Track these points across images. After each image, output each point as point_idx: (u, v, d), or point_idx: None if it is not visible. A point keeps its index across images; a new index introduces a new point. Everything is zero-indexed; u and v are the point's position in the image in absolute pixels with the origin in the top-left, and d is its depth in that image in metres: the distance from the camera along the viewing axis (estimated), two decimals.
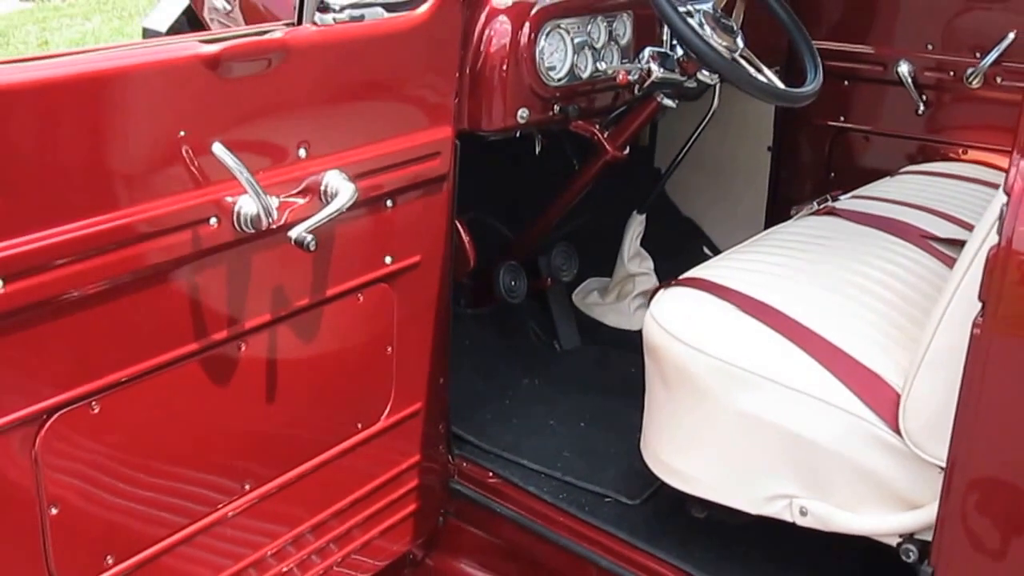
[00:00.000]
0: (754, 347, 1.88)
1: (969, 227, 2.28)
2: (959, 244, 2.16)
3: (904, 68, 2.85)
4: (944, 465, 1.64)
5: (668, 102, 2.28)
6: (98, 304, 1.52)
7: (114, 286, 1.53)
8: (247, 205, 1.62)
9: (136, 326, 1.59)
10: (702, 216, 3.21)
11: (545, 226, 2.56)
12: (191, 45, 1.56)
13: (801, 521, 1.88)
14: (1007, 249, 1.44)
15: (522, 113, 2.17)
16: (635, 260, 2.78)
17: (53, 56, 1.47)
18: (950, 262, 2.12)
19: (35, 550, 1.55)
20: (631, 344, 2.70)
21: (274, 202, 1.63)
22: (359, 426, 2.01)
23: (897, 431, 1.74)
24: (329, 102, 1.76)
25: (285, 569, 1.93)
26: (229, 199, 1.62)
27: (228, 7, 2.45)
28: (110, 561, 1.64)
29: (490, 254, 2.57)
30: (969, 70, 2.75)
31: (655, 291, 2.08)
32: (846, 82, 2.96)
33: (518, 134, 2.25)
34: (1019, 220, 1.45)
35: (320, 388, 1.91)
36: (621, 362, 2.64)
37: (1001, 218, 1.48)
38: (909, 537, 1.78)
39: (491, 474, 2.27)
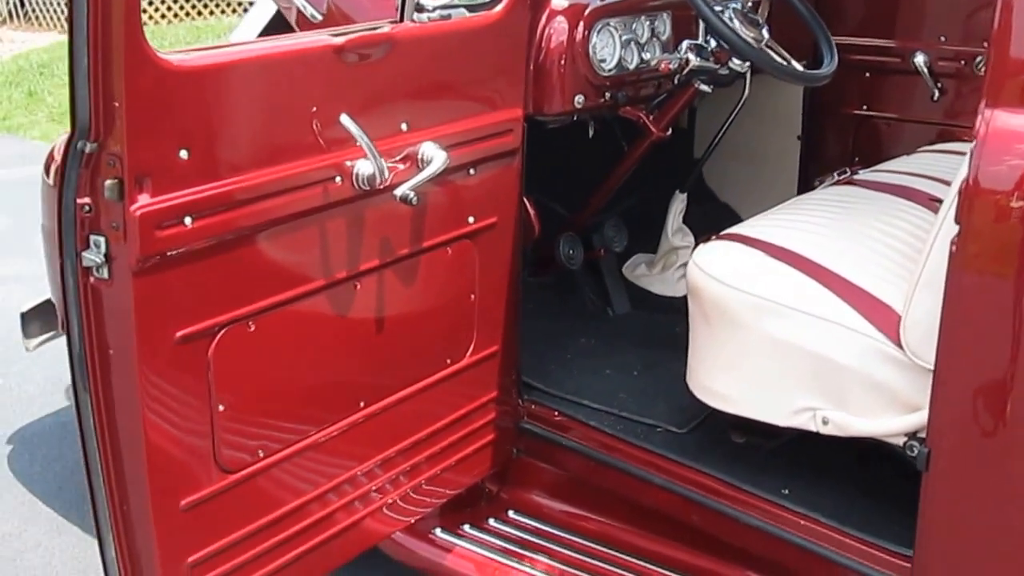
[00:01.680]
0: (781, 284, 2.35)
1: None
2: None
3: (920, 59, 3.32)
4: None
5: (704, 87, 2.77)
6: (254, 243, 2.01)
7: (265, 229, 2.02)
8: (363, 167, 2.11)
9: (280, 263, 2.08)
10: (737, 200, 3.68)
11: (599, 201, 3.06)
12: (323, 38, 2.07)
13: (823, 430, 2.33)
14: (975, 180, 1.91)
15: (578, 99, 2.66)
16: (678, 235, 3.27)
17: (215, 48, 1.98)
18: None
19: (207, 440, 2.04)
20: (675, 309, 3.19)
21: (385, 165, 2.12)
22: (448, 361, 2.49)
23: (899, 345, 2.20)
24: (425, 85, 2.26)
25: (377, 487, 2.38)
26: (348, 163, 2.11)
27: (318, 17, 2.96)
28: (260, 455, 2.13)
29: (548, 230, 3.05)
30: (978, 58, 3.21)
31: (696, 246, 2.55)
32: (867, 74, 3.44)
33: (575, 118, 2.74)
34: (982, 158, 1.91)
35: (418, 325, 2.39)
36: (667, 324, 3.11)
37: (971, 158, 1.95)
38: (912, 435, 2.22)
39: (557, 413, 2.74)
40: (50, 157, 3.29)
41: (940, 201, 2.69)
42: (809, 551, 2.37)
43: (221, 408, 2.03)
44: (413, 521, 2.55)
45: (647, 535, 2.67)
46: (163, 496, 1.99)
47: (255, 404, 2.10)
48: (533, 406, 2.76)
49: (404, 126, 2.22)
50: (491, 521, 2.77)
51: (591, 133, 2.88)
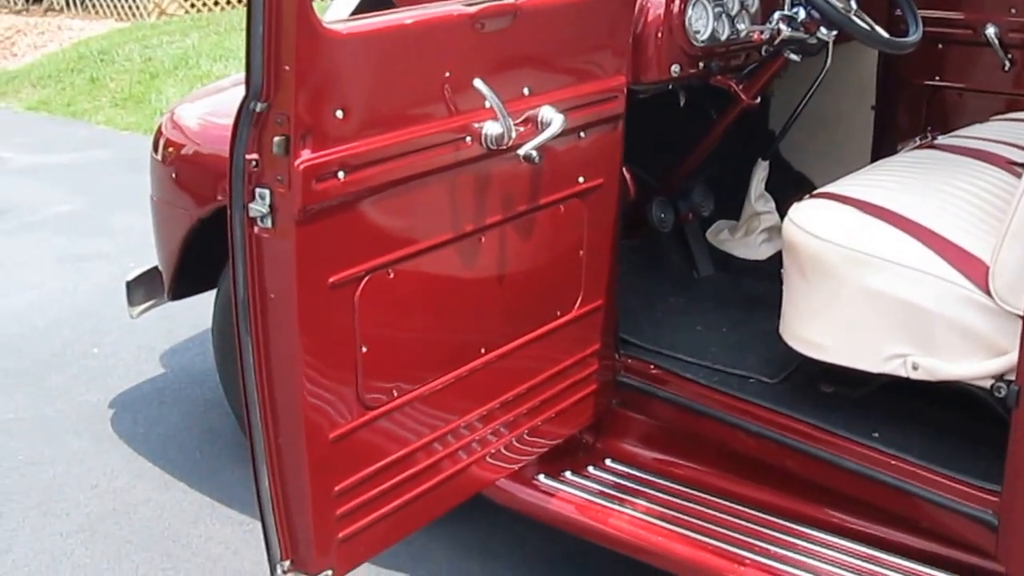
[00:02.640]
0: (874, 237, 2.56)
1: None
2: None
3: (991, 31, 3.51)
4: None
5: (793, 56, 2.99)
6: (394, 197, 2.23)
7: (405, 184, 2.25)
8: (491, 128, 2.34)
9: (416, 216, 2.30)
10: (811, 169, 3.88)
11: (689, 167, 3.28)
12: (458, 7, 2.29)
13: (913, 375, 2.54)
14: None
15: (674, 68, 2.87)
16: (760, 201, 3.49)
17: (364, 17, 2.21)
18: None
19: (352, 378, 2.27)
20: (759, 272, 3.42)
21: (513, 125, 2.35)
22: (558, 313, 2.72)
23: (988, 293, 2.41)
24: (544, 53, 2.48)
25: (491, 431, 2.60)
26: (476, 124, 2.34)
27: None
28: (395, 394, 2.36)
29: (639, 196, 3.28)
30: None
31: (790, 206, 2.77)
32: (939, 45, 3.64)
33: (669, 87, 2.96)
34: None
35: (533, 278, 2.62)
36: (752, 285, 3.33)
37: None
38: (1000, 377, 2.43)
39: (653, 367, 2.96)
40: (158, 134, 3.55)
41: (1018, 164, 2.92)
42: (900, 489, 2.57)
43: (364, 349, 2.26)
44: (517, 468, 2.77)
45: (739, 480, 2.88)
46: (315, 429, 2.22)
47: (392, 347, 2.33)
48: (630, 360, 2.98)
49: (526, 90, 2.44)
50: (590, 468, 2.99)
51: (682, 102, 3.09)
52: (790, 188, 3.79)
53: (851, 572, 2.61)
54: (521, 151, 2.37)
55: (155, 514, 3.42)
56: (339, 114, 2.09)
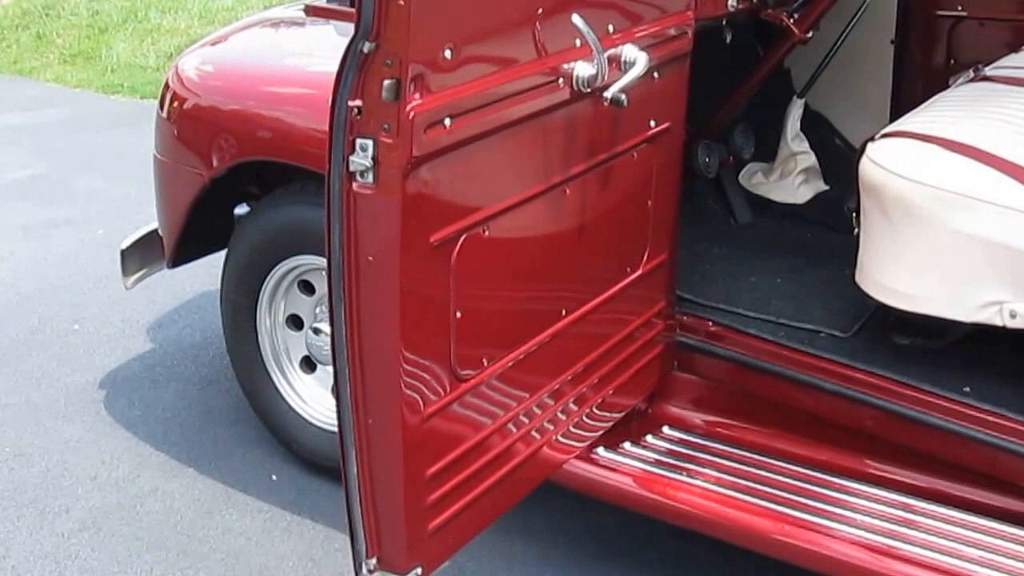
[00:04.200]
0: (964, 175, 2.40)
1: None
2: None
3: None
4: None
5: None
6: (492, 147, 2.04)
7: (501, 131, 2.04)
8: (583, 69, 2.15)
9: (510, 167, 2.12)
10: (831, 110, 3.70)
11: (735, 107, 3.08)
12: None
13: (1011, 323, 2.39)
14: None
15: (732, 1, 2.68)
16: (796, 140, 3.32)
17: None
18: None
19: (447, 347, 2.07)
20: (799, 216, 3.25)
21: (607, 65, 2.13)
22: (628, 270, 2.52)
23: None
24: None
25: (571, 402, 2.42)
26: (566, 65, 2.14)
27: None
28: (485, 364, 2.16)
29: None
30: None
31: (863, 146, 2.58)
32: None
33: (723, 22, 2.75)
34: None
35: (608, 232, 2.43)
36: (796, 231, 3.17)
37: None
38: None
39: (712, 324, 2.78)
40: (165, 88, 3.26)
41: None
42: (997, 447, 2.42)
43: (459, 315, 2.07)
44: (589, 444, 2.58)
45: (811, 443, 2.73)
46: (410, 406, 2.03)
47: (484, 311, 2.15)
48: (685, 318, 2.79)
49: (611, 27, 2.24)
50: (648, 438, 2.81)
51: (728, 39, 2.89)
52: (806, 131, 3.62)
53: (944, 539, 2.45)
54: (608, 93, 2.18)
55: (164, 506, 3.16)
56: (447, 54, 1.91)
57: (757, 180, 3.39)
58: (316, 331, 3.02)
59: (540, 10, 2.06)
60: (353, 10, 1.86)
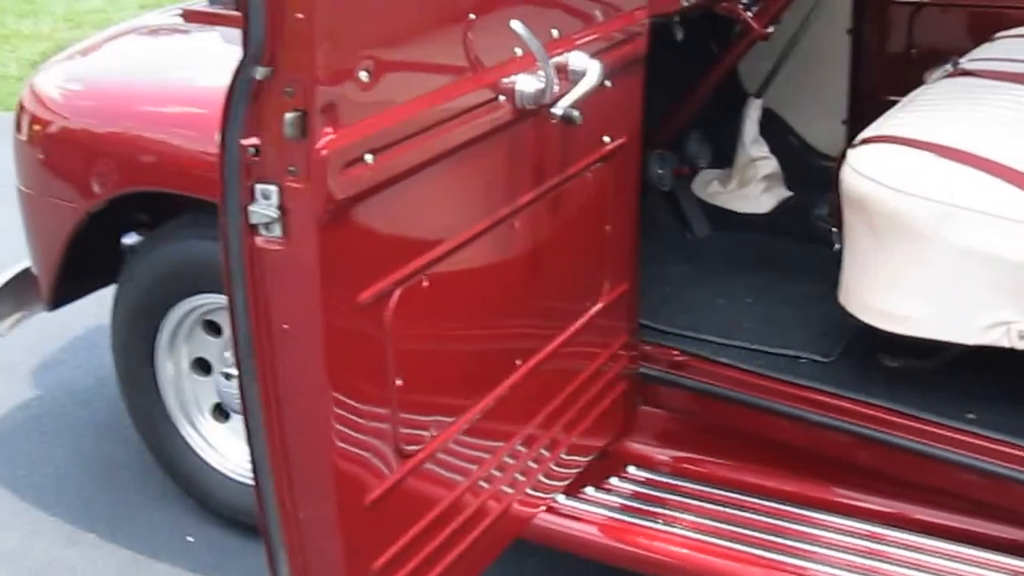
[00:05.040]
0: (962, 185, 2.22)
1: None
2: None
3: None
4: None
5: None
6: (426, 182, 1.77)
7: (436, 163, 1.78)
8: (526, 83, 1.89)
9: (449, 203, 1.86)
10: (783, 105, 3.51)
11: (689, 111, 2.87)
12: None
13: (1019, 345, 2.22)
14: None
15: None
16: (755, 144, 3.11)
17: None
18: None
19: (387, 422, 1.81)
20: (763, 227, 3.06)
21: (555, 78, 1.90)
22: (588, 304, 2.30)
23: None
24: None
25: (530, 459, 2.19)
26: (507, 79, 1.88)
27: None
28: (433, 433, 1.91)
29: None
30: None
31: (842, 153, 2.39)
32: None
33: (675, 19, 2.54)
34: None
35: (563, 266, 2.19)
36: (760, 244, 2.97)
37: None
38: None
39: (677, 353, 2.57)
40: (19, 110, 2.96)
41: None
42: (1007, 479, 2.25)
43: (399, 382, 1.81)
44: (555, 497, 2.35)
45: (794, 479, 2.53)
46: (349, 495, 1.77)
47: (428, 373, 1.89)
48: (648, 347, 2.59)
49: (555, 32, 2.00)
50: (613, 480, 2.59)
51: (679, 37, 2.68)
52: (762, 130, 3.44)
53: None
54: (557, 110, 1.92)
55: None
56: (363, 76, 1.62)
57: (714, 189, 3.18)
58: (227, 376, 2.76)
59: (472, 15, 1.80)
60: (238, 14, 1.59)
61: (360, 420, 1.75)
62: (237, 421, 2.86)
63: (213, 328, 2.84)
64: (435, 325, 1.88)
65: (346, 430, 1.73)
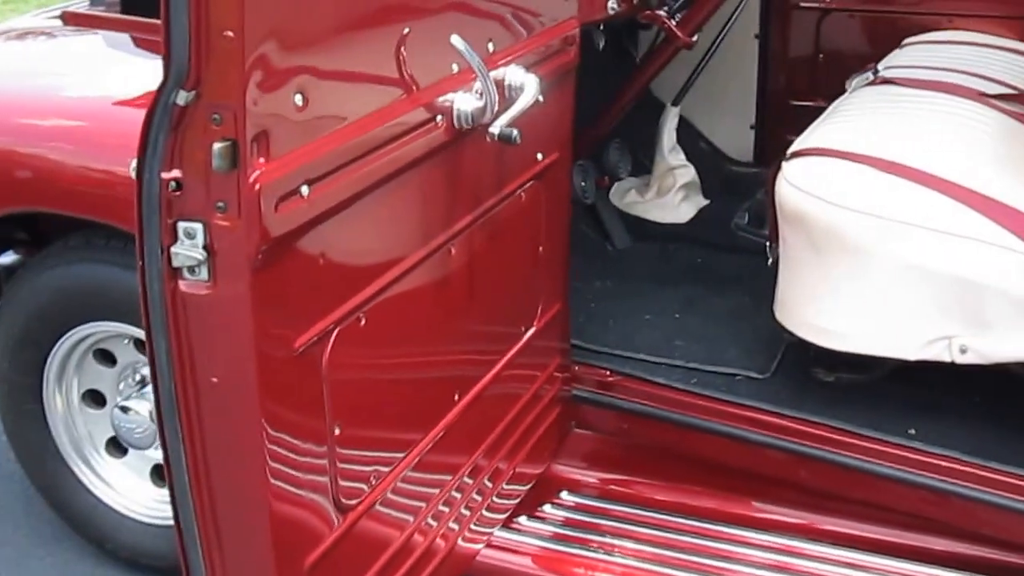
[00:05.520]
0: (904, 199, 2.21)
1: (1000, 83, 2.71)
2: (1011, 99, 2.58)
3: None
4: None
5: None
6: (362, 212, 1.66)
7: (372, 191, 1.67)
8: (464, 102, 1.81)
9: (385, 234, 1.76)
10: (691, 110, 3.50)
11: (611, 122, 2.83)
12: None
13: (960, 359, 2.22)
14: None
15: (612, 3, 2.42)
16: (672, 153, 3.09)
17: None
18: (1018, 116, 2.54)
19: (326, 476, 1.70)
20: (684, 237, 3.03)
21: (496, 95, 1.82)
22: (522, 329, 2.23)
23: None
24: None
25: (470, 496, 2.12)
26: (445, 98, 1.80)
27: None
28: (373, 482, 1.81)
29: None
30: None
31: (777, 167, 2.37)
32: None
33: (600, 27, 2.49)
34: None
35: (498, 291, 2.12)
36: (683, 254, 2.95)
37: None
38: None
39: (609, 373, 2.52)
40: None
41: (987, 95, 2.64)
42: (950, 493, 2.26)
43: (337, 431, 1.71)
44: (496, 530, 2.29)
45: (734, 500, 2.51)
46: (288, 561, 1.66)
47: (366, 418, 1.79)
48: (577, 368, 2.54)
49: (491, 46, 1.93)
50: (547, 508, 2.53)
51: (601, 45, 2.64)
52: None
53: None
54: (495, 128, 1.84)
55: None
56: (298, 99, 1.50)
57: (631, 199, 3.14)
58: (124, 409, 2.62)
59: (407, 29, 1.70)
60: (123, 17, 1.46)
61: (298, 477, 1.64)
62: (135, 456, 2.73)
63: (107, 358, 2.69)
64: (373, 365, 1.78)
65: (283, 489, 1.61)
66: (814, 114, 2.78)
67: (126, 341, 2.44)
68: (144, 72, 2.42)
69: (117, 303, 2.39)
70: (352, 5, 1.61)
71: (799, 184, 2.28)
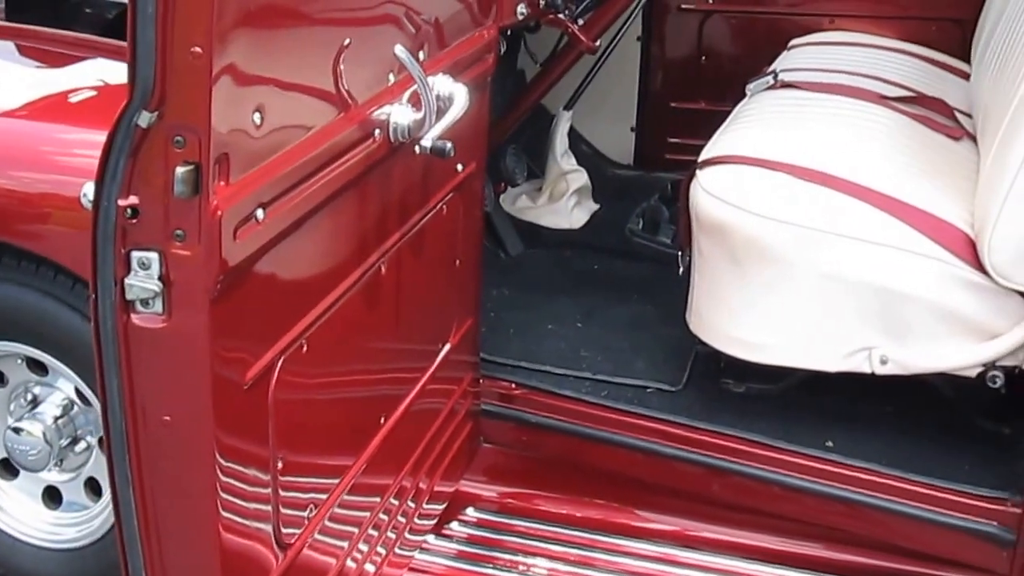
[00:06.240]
0: (823, 208, 2.13)
1: (895, 84, 2.66)
2: (910, 101, 2.53)
3: None
4: None
5: None
6: (309, 233, 1.53)
7: (319, 211, 1.54)
8: (401, 115, 1.66)
9: (326, 255, 1.62)
10: (575, 114, 3.38)
11: (509, 127, 2.67)
12: None
13: (880, 370, 2.15)
14: None
15: (520, 9, 2.28)
16: (565, 158, 2.95)
17: None
18: (918, 117, 2.48)
19: (269, 513, 1.55)
20: (577, 243, 2.91)
21: (435, 107, 1.67)
22: (440, 345, 2.08)
23: (979, 268, 2.04)
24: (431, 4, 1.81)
25: (395, 519, 1.97)
26: (380, 111, 1.65)
27: None
28: (311, 515, 1.66)
29: None
30: None
31: (690, 174, 2.26)
32: None
33: (509, 32, 2.35)
34: None
35: (420, 308, 1.98)
36: (577, 260, 2.82)
37: None
38: (992, 365, 2.09)
39: (514, 386, 2.38)
40: None
41: (887, 98, 2.58)
42: (868, 506, 2.19)
43: (280, 465, 1.55)
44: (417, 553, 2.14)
45: (649, 515, 2.40)
46: None
47: (305, 449, 1.64)
48: (483, 381, 2.39)
49: (422, 55, 1.76)
50: (455, 526, 2.37)
51: (503, 50, 2.48)
52: (548, 139, 3.29)
53: None
54: (427, 141, 1.69)
55: None
56: (257, 118, 1.36)
57: (523, 204, 3.00)
58: (16, 430, 2.38)
59: (347, 40, 1.54)
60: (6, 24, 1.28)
61: (245, 517, 1.49)
62: (26, 478, 2.50)
63: None
64: (311, 393, 1.63)
65: (232, 529, 1.46)
66: (696, 116, 2.70)
67: (19, 361, 2.22)
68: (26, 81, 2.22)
69: (9, 322, 2.17)
70: (301, 15, 1.46)
71: (716, 193, 2.17)
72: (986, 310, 2.07)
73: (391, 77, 1.66)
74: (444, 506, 2.23)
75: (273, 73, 1.39)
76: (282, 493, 1.56)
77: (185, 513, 1.44)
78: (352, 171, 1.59)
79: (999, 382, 2.09)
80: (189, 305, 1.33)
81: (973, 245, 2.07)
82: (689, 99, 3.33)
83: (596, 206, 3.06)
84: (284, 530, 1.59)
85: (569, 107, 2.98)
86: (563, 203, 2.95)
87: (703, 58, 3.34)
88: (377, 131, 1.63)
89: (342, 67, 1.54)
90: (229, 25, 1.26)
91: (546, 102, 3.25)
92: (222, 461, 1.41)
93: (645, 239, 2.78)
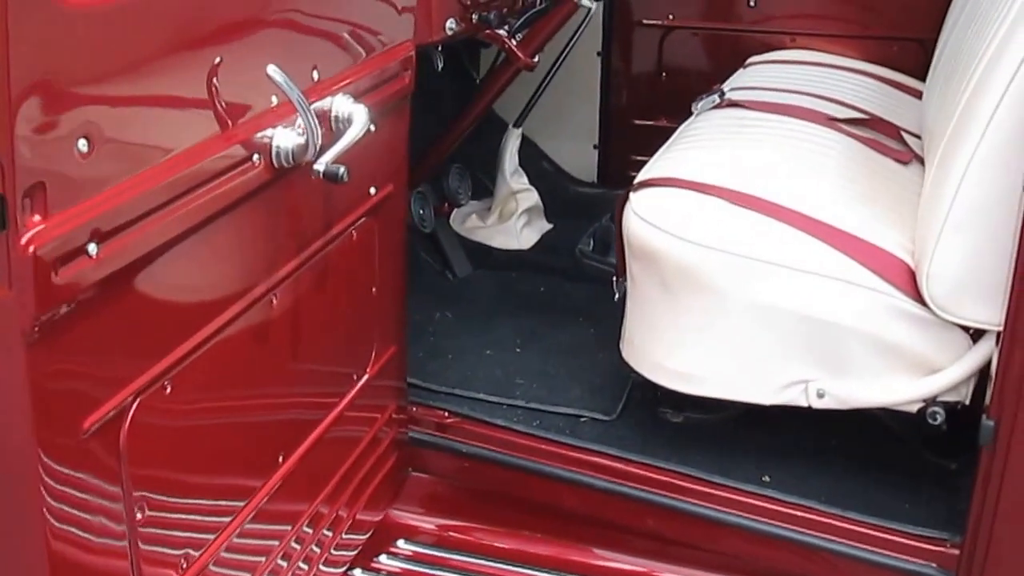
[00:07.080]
0: (758, 235, 1.98)
1: (847, 105, 2.50)
2: (860, 123, 2.37)
3: None
4: (973, 325, 1.84)
5: (586, 2, 2.31)
6: (165, 268, 1.37)
7: (178, 243, 1.38)
8: (284, 138, 1.52)
9: (194, 288, 1.46)
10: (534, 130, 3.24)
11: (449, 145, 2.53)
12: None
13: (817, 404, 2.01)
14: None
15: (450, 24, 2.14)
16: (515, 176, 2.81)
17: None
18: (866, 140, 2.33)
19: (125, 562, 1.39)
20: (526, 264, 2.76)
21: (320, 130, 1.52)
22: (354, 377, 1.93)
23: (919, 300, 1.89)
24: (327, 14, 1.66)
25: (303, 559, 1.83)
26: (262, 134, 1.50)
27: None
28: (184, 566, 1.51)
29: None
30: None
31: (624, 196, 2.11)
32: None
33: (439, 48, 2.20)
34: None
35: (326, 340, 1.83)
36: (524, 283, 2.68)
37: None
38: (932, 400, 1.94)
39: (447, 414, 2.25)
40: None
41: (836, 120, 2.43)
42: (804, 545, 2.04)
43: (139, 516, 1.40)
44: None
45: (581, 548, 2.24)
46: None
47: (175, 496, 1.48)
48: (415, 408, 2.25)
49: (316, 74, 1.62)
50: (382, 559, 2.23)
51: (440, 66, 2.34)
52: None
53: None
54: (320, 166, 1.54)
55: None
56: (82, 145, 1.20)
57: (472, 224, 2.85)
58: None
59: (218, 59, 1.40)
60: None
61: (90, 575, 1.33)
62: None
63: None
64: (181, 437, 1.47)
65: None
66: (657, 133, 2.55)
67: None
68: None
69: None
70: (154, 33, 1.31)
71: (648, 218, 2.03)
72: (926, 343, 1.93)
73: (274, 99, 1.51)
74: (368, 535, 2.08)
75: (107, 96, 1.23)
76: (143, 546, 1.41)
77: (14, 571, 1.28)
78: (227, 197, 1.44)
79: (939, 419, 1.95)
80: (3, 350, 1.17)
81: (913, 275, 1.92)
82: (650, 116, 3.20)
83: (549, 226, 2.92)
84: None
85: (519, 124, 2.84)
86: (512, 223, 2.81)
87: (663, 74, 3.20)
88: (256, 155, 1.48)
89: (213, 87, 1.39)
90: (35, 47, 1.11)
91: (505, 116, 3.12)
92: (56, 523, 1.25)
93: (595, 260, 2.64)
